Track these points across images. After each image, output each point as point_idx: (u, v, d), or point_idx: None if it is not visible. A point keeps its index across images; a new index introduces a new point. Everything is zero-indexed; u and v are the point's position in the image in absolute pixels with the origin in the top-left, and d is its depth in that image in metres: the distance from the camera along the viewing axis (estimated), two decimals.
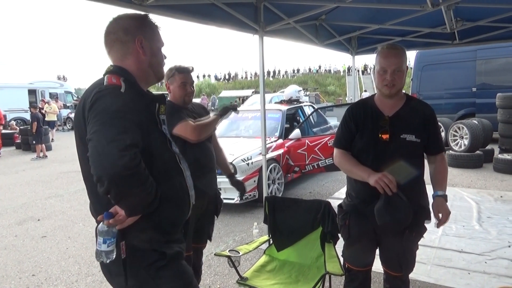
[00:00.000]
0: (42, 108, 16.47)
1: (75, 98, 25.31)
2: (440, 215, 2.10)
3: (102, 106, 1.34)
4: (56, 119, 17.45)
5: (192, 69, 2.64)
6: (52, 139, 15.32)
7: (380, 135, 2.05)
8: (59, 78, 37.57)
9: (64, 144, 15.01)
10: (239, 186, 2.96)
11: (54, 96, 22.57)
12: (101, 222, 1.38)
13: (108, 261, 1.39)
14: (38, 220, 5.50)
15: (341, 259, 2.37)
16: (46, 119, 16.24)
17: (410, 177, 2.07)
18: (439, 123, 2.24)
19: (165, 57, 1.63)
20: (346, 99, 32.16)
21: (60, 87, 24.85)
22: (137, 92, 1.48)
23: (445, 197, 2.10)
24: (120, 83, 1.42)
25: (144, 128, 1.42)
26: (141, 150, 1.35)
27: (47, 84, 24.00)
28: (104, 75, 1.50)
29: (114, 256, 1.40)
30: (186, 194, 1.61)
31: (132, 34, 1.51)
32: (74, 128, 1.51)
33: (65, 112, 22.44)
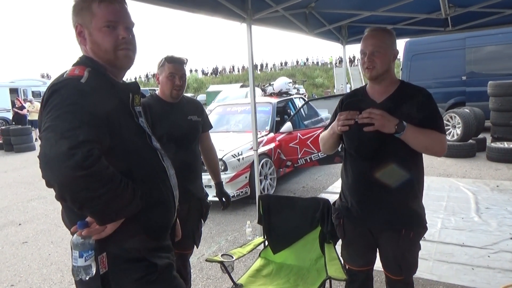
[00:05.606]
0: (24, 107, 16.00)
1: None
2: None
3: (57, 100, 1.17)
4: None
5: (186, 61, 2.42)
6: (36, 138, 14.87)
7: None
8: (42, 76, 36.78)
9: None
10: (223, 198, 2.70)
11: (36, 95, 22.03)
12: (75, 234, 1.20)
13: (87, 278, 1.21)
14: (19, 224, 5.22)
15: (342, 260, 2.21)
16: (29, 118, 15.81)
17: (401, 180, 1.91)
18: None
19: (124, 36, 1.34)
20: (334, 91, 32.15)
21: (43, 85, 24.17)
22: (105, 82, 1.30)
23: (402, 124, 1.81)
24: (83, 74, 1.25)
25: (115, 122, 1.25)
26: (110, 146, 1.20)
27: (30, 82, 23.32)
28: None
29: (94, 271, 1.22)
30: (171, 194, 1.45)
31: (74, 24, 1.36)
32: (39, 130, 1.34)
33: None
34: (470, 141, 7.72)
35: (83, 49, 1.37)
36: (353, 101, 2.06)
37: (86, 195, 1.12)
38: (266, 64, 49.34)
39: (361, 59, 1.96)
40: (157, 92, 2.49)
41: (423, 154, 1.99)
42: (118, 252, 1.29)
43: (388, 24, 5.26)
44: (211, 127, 2.72)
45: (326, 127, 2.17)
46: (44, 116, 1.16)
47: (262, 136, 5.98)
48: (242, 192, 5.25)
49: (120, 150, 1.26)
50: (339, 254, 2.24)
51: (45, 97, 1.21)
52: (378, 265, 2.13)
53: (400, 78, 10.28)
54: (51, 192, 1.17)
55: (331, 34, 5.67)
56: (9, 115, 19.56)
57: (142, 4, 2.83)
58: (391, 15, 4.77)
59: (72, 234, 1.22)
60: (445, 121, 8.06)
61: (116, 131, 1.24)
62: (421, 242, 2.07)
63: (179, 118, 2.42)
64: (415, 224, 1.98)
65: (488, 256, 3.33)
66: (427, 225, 2.04)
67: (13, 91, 21.35)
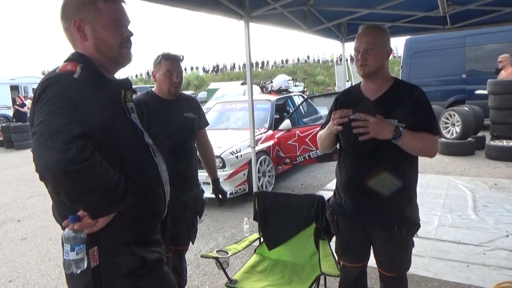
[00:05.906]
0: (24, 104, 16.01)
1: None
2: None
3: (50, 94, 1.17)
4: None
5: (182, 57, 2.41)
6: None
7: None
8: (43, 74, 36.67)
9: None
10: (220, 194, 2.71)
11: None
12: (67, 228, 1.21)
13: (79, 271, 1.22)
14: (18, 221, 5.25)
15: (336, 256, 2.22)
16: (29, 115, 15.82)
17: (394, 187, 1.91)
18: None
19: (127, 35, 1.39)
20: (335, 88, 32.09)
21: None
22: (98, 78, 1.31)
23: (398, 130, 1.80)
24: (75, 69, 1.25)
25: (108, 117, 1.26)
26: (103, 141, 1.21)
27: (30, 79, 23.25)
28: None
29: (86, 265, 1.23)
30: (162, 189, 1.45)
31: (70, 18, 1.34)
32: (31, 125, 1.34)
33: None
34: (469, 139, 7.70)
35: (79, 44, 1.35)
36: (347, 99, 2.05)
37: (80, 189, 1.13)
38: (267, 62, 49.28)
39: (355, 56, 1.96)
40: (153, 89, 2.49)
41: None
42: (108, 246, 1.30)
43: (386, 22, 5.26)
44: (207, 124, 2.72)
45: (322, 126, 2.17)
46: (37, 111, 1.16)
47: (261, 134, 5.98)
48: (240, 189, 5.26)
49: (112, 145, 1.27)
50: (334, 251, 2.26)
51: (37, 93, 1.21)
52: (372, 261, 2.14)
53: (401, 76, 10.17)
54: None
55: (330, 32, 5.67)
56: (10, 112, 19.57)
57: (143, 3, 2.84)
58: (390, 13, 4.78)
59: (64, 228, 1.23)
60: (444, 119, 8.05)
61: (108, 126, 1.25)
62: (417, 239, 2.08)
63: (175, 115, 2.42)
64: (408, 221, 1.98)
65: (484, 254, 3.34)
66: (421, 222, 2.05)
67: (14, 88, 21.36)
